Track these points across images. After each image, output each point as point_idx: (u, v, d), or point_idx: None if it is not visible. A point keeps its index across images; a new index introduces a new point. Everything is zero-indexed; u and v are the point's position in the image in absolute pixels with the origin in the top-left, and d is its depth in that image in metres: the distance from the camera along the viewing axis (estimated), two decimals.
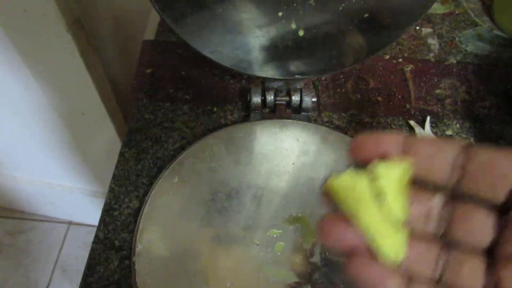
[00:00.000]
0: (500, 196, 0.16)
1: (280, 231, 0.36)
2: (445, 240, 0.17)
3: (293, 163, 0.40)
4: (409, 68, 0.51)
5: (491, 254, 0.16)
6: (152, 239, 0.35)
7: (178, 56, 0.50)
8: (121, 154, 0.42)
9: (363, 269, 0.16)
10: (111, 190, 0.40)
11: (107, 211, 0.39)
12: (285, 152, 0.41)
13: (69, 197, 1.18)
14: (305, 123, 0.43)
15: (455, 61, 0.51)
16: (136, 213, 0.38)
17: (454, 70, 0.51)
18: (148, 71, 0.49)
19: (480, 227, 0.16)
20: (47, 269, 1.25)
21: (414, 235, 0.17)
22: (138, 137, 0.43)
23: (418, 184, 0.17)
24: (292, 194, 0.38)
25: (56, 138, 0.95)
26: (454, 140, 0.16)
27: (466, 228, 0.16)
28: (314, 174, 0.39)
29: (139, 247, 0.34)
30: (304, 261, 0.34)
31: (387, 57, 0.52)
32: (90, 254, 0.37)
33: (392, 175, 0.16)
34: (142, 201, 0.39)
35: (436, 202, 0.17)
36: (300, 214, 0.37)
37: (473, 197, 0.16)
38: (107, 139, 0.89)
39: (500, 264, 0.16)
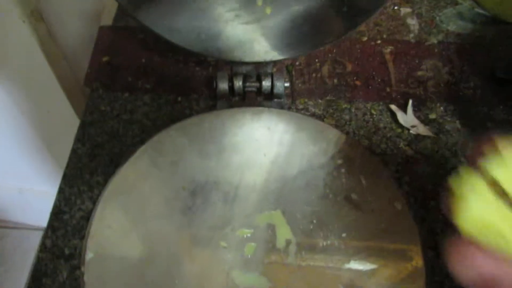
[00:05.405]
0: None
1: (251, 230, 0.32)
2: None
3: (264, 155, 0.36)
4: (389, 49, 0.47)
5: None
6: (105, 245, 0.31)
7: (138, 42, 0.46)
8: (73, 151, 0.38)
9: None
10: (60, 191, 0.36)
11: (56, 215, 0.34)
12: (255, 143, 0.37)
13: (41, 202, 1.12)
14: (278, 110, 0.39)
15: (436, 41, 0.48)
16: (90, 216, 0.34)
17: (436, 50, 0.48)
18: (105, 59, 0.44)
19: None
20: (22, 278, 1.18)
21: None
22: (92, 131, 0.39)
23: None
24: (264, 189, 0.34)
25: (21, 139, 0.89)
26: None
27: None
28: (288, 166, 0.36)
29: (89, 255, 0.30)
30: (278, 263, 0.31)
31: (365, 39, 0.48)
32: (35, 265, 0.32)
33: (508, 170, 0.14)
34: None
35: None
36: (272, 211, 0.33)
37: None
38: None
39: None
